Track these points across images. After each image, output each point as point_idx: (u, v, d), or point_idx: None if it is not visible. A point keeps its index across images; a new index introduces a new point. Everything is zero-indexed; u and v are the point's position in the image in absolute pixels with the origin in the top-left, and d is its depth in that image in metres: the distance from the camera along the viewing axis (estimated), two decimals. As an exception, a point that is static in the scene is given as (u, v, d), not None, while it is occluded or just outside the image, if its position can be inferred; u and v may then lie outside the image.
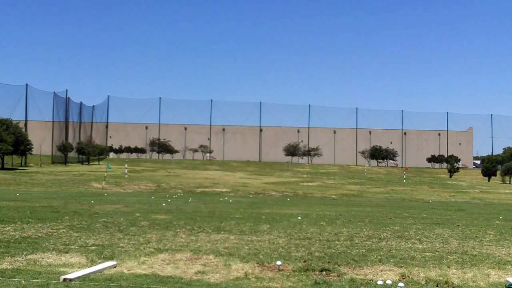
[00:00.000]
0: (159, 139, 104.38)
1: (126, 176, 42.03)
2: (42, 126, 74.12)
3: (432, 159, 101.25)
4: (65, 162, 64.69)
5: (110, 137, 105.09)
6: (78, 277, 5.84)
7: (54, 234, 10.21)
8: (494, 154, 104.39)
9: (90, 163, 69.22)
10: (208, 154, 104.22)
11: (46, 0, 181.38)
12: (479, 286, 6.09)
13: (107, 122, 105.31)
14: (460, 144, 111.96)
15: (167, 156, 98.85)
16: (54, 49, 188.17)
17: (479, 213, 20.43)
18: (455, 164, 71.96)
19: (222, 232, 10.82)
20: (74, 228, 10.98)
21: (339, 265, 7.15)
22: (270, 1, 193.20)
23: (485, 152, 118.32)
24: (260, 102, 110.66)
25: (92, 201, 19.99)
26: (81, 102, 78.51)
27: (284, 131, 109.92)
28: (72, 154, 68.56)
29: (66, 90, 70.71)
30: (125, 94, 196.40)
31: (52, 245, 8.73)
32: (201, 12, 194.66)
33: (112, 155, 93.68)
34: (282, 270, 6.74)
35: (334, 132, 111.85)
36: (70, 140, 69.25)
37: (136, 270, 6.48)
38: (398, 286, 5.73)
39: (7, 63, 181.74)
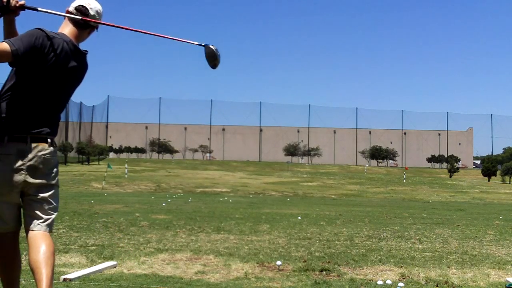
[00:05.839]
0: (159, 139, 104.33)
1: (126, 176, 42.02)
2: (42, 126, 73.95)
3: (432, 159, 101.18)
4: (65, 162, 64.65)
5: (110, 137, 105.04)
6: (78, 277, 5.84)
7: (54, 234, 10.21)
8: (494, 154, 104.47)
9: (90, 163, 69.18)
10: (208, 154, 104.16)
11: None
12: (479, 286, 6.09)
13: (107, 122, 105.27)
14: (460, 144, 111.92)
15: (167, 156, 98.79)
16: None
17: (479, 213, 20.42)
18: (455, 164, 71.94)
19: (222, 232, 10.81)
20: (74, 228, 10.97)
21: (339, 265, 7.14)
22: (270, 1, 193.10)
23: (485, 152, 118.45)
24: (260, 102, 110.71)
25: (92, 201, 19.99)
26: (81, 102, 78.38)
27: (284, 131, 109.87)
28: (72, 154, 68.51)
29: (66, 90, 70.57)
30: (125, 94, 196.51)
31: (52, 245, 8.72)
32: (200, 11, 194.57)
33: (112, 155, 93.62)
34: (282, 270, 6.74)
35: (334, 132, 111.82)
36: (70, 140, 69.22)
37: (136, 270, 6.48)
38: (398, 286, 5.72)
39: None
